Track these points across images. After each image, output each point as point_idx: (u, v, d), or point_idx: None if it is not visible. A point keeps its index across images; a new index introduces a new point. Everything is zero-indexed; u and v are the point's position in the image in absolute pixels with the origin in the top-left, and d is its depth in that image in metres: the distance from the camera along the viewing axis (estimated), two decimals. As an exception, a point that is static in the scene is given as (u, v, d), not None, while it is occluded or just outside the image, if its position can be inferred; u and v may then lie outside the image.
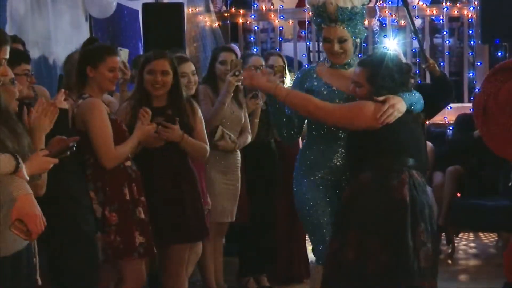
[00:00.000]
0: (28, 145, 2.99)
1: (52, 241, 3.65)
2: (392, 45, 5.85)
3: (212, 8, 8.59)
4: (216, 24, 8.48)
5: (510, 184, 6.28)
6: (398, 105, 3.63)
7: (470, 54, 8.46)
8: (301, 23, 9.05)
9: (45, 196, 3.20)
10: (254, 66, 5.50)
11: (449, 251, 6.76)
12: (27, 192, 2.79)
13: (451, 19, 8.73)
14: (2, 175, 2.77)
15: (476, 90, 7.32)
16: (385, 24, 8.49)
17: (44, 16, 5.73)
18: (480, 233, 7.49)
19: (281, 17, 8.68)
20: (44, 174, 3.12)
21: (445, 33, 8.47)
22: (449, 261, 6.58)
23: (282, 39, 9.31)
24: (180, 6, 7.09)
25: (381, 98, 3.61)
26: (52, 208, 3.51)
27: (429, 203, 3.65)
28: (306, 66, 4.48)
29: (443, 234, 6.85)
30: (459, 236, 7.29)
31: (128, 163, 4.07)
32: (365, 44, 8.44)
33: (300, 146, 5.05)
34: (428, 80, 8.00)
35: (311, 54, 8.82)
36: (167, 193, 4.30)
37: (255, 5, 8.74)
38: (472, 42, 8.33)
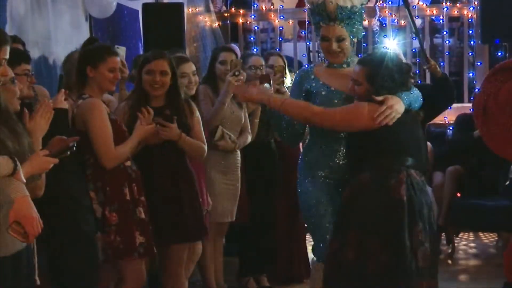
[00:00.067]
0: (28, 145, 2.99)
1: (52, 241, 3.65)
2: (392, 45, 5.85)
3: (212, 8, 8.59)
4: (216, 24, 8.48)
5: (507, 183, 6.29)
6: (396, 106, 3.62)
7: (470, 54, 8.46)
8: (301, 23, 9.04)
9: (45, 196, 3.20)
10: (254, 66, 5.51)
11: (449, 251, 6.76)
12: (25, 194, 2.80)
13: (451, 19, 8.73)
14: (0, 177, 2.77)
15: (476, 90, 7.32)
16: (385, 24, 8.49)
17: (44, 16, 5.73)
18: (480, 233, 7.49)
19: (281, 17, 8.68)
20: (43, 174, 3.12)
21: (445, 33, 8.47)
22: (449, 261, 6.58)
23: (282, 39, 9.31)
24: (180, 6, 7.09)
25: (379, 98, 3.61)
26: (52, 208, 3.53)
27: (428, 203, 3.64)
28: (306, 66, 4.47)
29: (443, 234, 6.85)
30: (459, 236, 7.29)
31: (128, 163, 4.07)
32: (365, 44, 8.46)
33: (301, 146, 5.05)
34: (428, 80, 8.01)
35: (311, 54, 8.82)
36: (166, 192, 4.30)
37: (255, 5, 8.74)
38: (472, 42, 8.33)
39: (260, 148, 5.49)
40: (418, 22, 8.44)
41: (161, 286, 4.50)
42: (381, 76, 3.62)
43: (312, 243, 4.04)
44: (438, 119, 7.31)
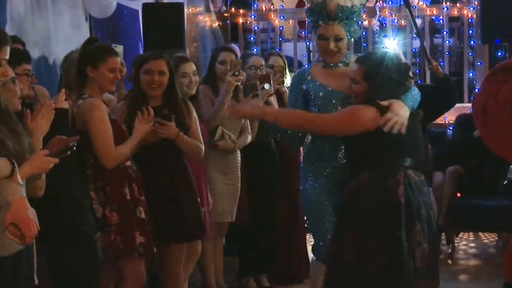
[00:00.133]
0: (28, 144, 3.00)
1: (52, 241, 3.65)
2: (392, 45, 5.85)
3: (212, 8, 8.58)
4: (216, 24, 8.48)
5: (505, 183, 6.29)
6: (401, 111, 3.59)
7: (470, 54, 8.46)
8: (301, 23, 9.04)
9: (45, 196, 3.21)
10: (254, 66, 5.52)
11: (449, 251, 6.76)
12: (22, 196, 2.80)
13: (451, 19, 8.73)
14: None
15: (476, 90, 7.32)
16: (385, 24, 8.49)
17: (44, 16, 5.73)
18: (480, 233, 7.49)
19: (281, 17, 8.68)
20: (43, 174, 3.12)
21: (445, 33, 8.47)
22: (449, 261, 6.58)
23: (282, 39, 9.31)
24: (180, 6, 7.09)
25: (384, 103, 3.59)
26: (52, 208, 3.54)
27: (426, 202, 3.63)
28: (306, 66, 4.47)
29: (443, 234, 6.85)
30: (459, 236, 7.29)
31: (128, 163, 4.08)
32: (365, 44, 8.47)
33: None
34: (428, 80, 8.01)
35: (311, 54, 8.81)
36: (165, 192, 4.30)
37: (255, 5, 8.74)
38: (472, 42, 8.33)
39: (260, 148, 5.49)
40: (418, 22, 8.43)
41: (161, 286, 4.50)
42: (381, 76, 3.62)
43: (312, 243, 4.05)
44: (438, 119, 7.29)
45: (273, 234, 5.61)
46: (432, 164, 6.71)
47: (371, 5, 8.65)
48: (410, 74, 4.05)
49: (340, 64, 3.97)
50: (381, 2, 8.62)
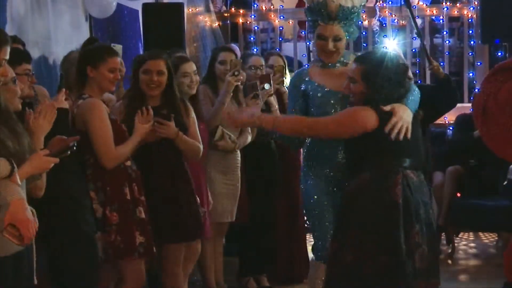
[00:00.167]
0: (28, 144, 3.00)
1: (52, 241, 3.66)
2: (392, 45, 5.85)
3: (212, 8, 8.59)
4: (216, 24, 8.48)
5: (505, 183, 6.29)
6: (405, 116, 3.57)
7: (470, 54, 8.46)
8: (301, 23, 9.05)
9: (45, 196, 3.21)
10: (254, 66, 5.52)
11: (449, 251, 6.76)
12: (20, 197, 2.80)
13: (451, 19, 8.73)
14: None
15: (476, 90, 7.32)
16: (385, 24, 8.49)
17: (44, 16, 5.72)
18: (480, 233, 7.49)
19: (281, 17, 8.68)
20: (43, 174, 3.13)
21: (445, 33, 8.48)
22: (449, 261, 6.58)
23: (282, 39, 9.31)
24: (180, 6, 7.09)
25: (387, 108, 3.57)
26: (52, 208, 3.54)
27: (424, 202, 3.61)
28: (306, 66, 4.47)
29: (443, 234, 6.85)
30: (459, 236, 7.29)
31: (128, 163, 4.08)
32: (365, 44, 8.47)
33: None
34: (428, 80, 8.01)
35: (311, 54, 8.80)
36: (165, 192, 4.30)
37: (255, 5, 8.74)
38: (472, 42, 8.33)
39: (260, 148, 5.49)
40: (418, 22, 8.41)
41: (161, 286, 4.50)
42: (380, 76, 3.60)
43: (312, 243, 4.05)
44: (438, 119, 7.32)
45: (273, 234, 5.61)
46: (432, 164, 6.71)
47: (371, 5, 8.66)
48: (410, 75, 4.04)
49: (338, 64, 3.97)
50: (381, 2, 8.62)
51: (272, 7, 9.09)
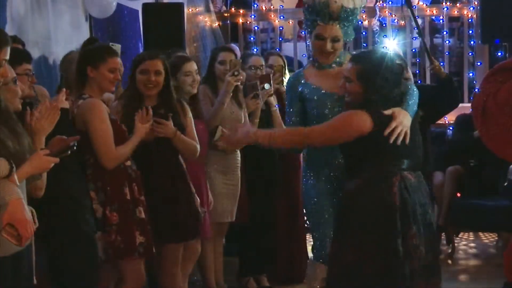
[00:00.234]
0: (29, 144, 3.00)
1: (52, 241, 3.65)
2: (392, 45, 5.85)
3: (212, 8, 8.59)
4: (216, 24, 8.48)
5: (505, 184, 6.29)
6: (404, 120, 3.54)
7: (470, 54, 8.46)
8: (301, 23, 9.00)
9: (45, 196, 3.21)
10: (254, 66, 5.52)
11: (449, 251, 6.76)
12: (18, 197, 2.80)
13: (451, 19, 8.73)
14: None
15: (476, 90, 7.32)
16: (385, 24, 8.49)
17: (44, 16, 5.72)
18: (480, 233, 7.49)
19: (281, 17, 8.68)
20: (44, 174, 3.13)
21: (445, 33, 8.48)
22: (449, 261, 6.58)
23: (282, 39, 9.31)
24: (180, 6, 7.09)
25: (388, 112, 3.55)
26: (52, 208, 3.54)
27: (423, 203, 3.59)
28: (305, 66, 4.46)
29: (443, 234, 6.85)
30: (459, 236, 7.29)
31: (128, 163, 4.08)
32: (365, 44, 8.47)
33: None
34: (428, 80, 8.01)
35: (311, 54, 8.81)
36: (162, 192, 4.31)
37: (255, 5, 8.74)
38: (472, 42, 8.33)
39: (260, 148, 5.48)
40: (418, 22, 8.44)
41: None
42: (376, 76, 3.57)
43: (312, 243, 4.05)
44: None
45: (273, 234, 5.61)
46: (432, 164, 6.71)
47: (371, 5, 8.66)
48: (410, 75, 4.04)
49: (334, 65, 3.95)
50: (381, 2, 8.62)
51: (272, 7, 9.09)
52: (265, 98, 5.31)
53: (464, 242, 7.28)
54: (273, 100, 5.43)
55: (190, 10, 8.25)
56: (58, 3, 5.97)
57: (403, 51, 5.73)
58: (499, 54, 7.88)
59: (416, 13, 7.92)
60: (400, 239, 3.47)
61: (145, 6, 7.05)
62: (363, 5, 3.99)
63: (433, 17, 8.64)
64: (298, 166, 5.37)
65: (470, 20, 8.36)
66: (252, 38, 8.59)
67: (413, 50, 8.52)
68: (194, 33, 8.33)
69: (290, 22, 9.01)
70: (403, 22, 8.39)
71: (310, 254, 4.92)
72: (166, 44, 5.88)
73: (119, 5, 6.66)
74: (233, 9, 8.81)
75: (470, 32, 8.37)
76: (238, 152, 5.26)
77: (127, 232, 3.97)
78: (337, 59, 3.94)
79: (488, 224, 6.59)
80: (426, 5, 8.64)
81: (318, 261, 3.89)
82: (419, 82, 7.78)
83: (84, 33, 6.35)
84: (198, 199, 4.58)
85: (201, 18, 8.40)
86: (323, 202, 3.89)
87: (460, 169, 6.76)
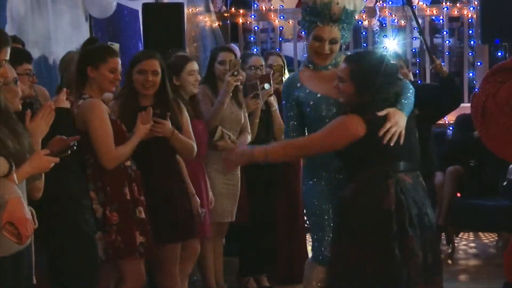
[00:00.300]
0: (29, 144, 3.00)
1: (52, 241, 3.66)
2: (392, 45, 5.86)
3: (212, 8, 8.59)
4: (216, 24, 8.49)
5: (504, 184, 6.29)
6: (400, 121, 3.53)
7: (470, 54, 8.46)
8: (301, 23, 9.04)
9: (45, 196, 3.21)
10: (254, 66, 5.52)
11: (449, 251, 6.76)
12: (18, 196, 2.80)
13: (451, 19, 8.74)
14: None
15: (476, 90, 7.32)
16: (385, 24, 8.49)
17: (44, 16, 5.73)
18: (480, 233, 7.49)
19: (281, 17, 8.69)
20: (43, 175, 3.12)
21: (445, 33, 8.48)
22: (449, 261, 6.58)
23: (282, 39, 9.31)
24: (180, 6, 7.09)
25: (382, 113, 3.55)
26: (52, 208, 3.54)
27: (421, 203, 3.57)
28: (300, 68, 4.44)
29: (443, 234, 6.85)
30: (459, 236, 7.29)
31: (128, 163, 4.08)
32: (365, 44, 8.47)
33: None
34: (428, 81, 8.01)
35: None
36: (164, 192, 4.31)
37: (255, 5, 8.75)
38: (472, 42, 8.34)
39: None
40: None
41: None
42: (369, 75, 3.55)
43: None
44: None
45: (273, 234, 5.61)
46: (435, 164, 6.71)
47: (371, 5, 8.66)
48: (411, 76, 4.03)
49: (329, 67, 3.94)
50: (381, 2, 8.63)
51: (272, 7, 9.09)
52: (265, 98, 5.32)
53: (464, 242, 7.28)
54: (273, 100, 5.43)
55: (190, 10, 8.25)
56: (58, 3, 5.97)
57: (403, 51, 5.73)
58: (499, 54, 7.89)
59: (416, 13, 7.94)
60: (397, 242, 3.47)
61: (145, 6, 7.06)
62: (362, 7, 3.98)
63: (433, 17, 8.64)
64: (298, 166, 5.36)
65: (470, 20, 8.37)
66: (252, 38, 8.60)
67: (413, 50, 8.52)
68: (194, 33, 8.34)
69: (290, 22, 9.01)
70: (403, 22, 8.39)
71: (310, 254, 4.93)
72: (166, 44, 5.88)
73: (119, 5, 6.66)
74: (233, 9, 8.81)
75: (470, 32, 8.37)
76: (238, 152, 5.25)
77: (127, 232, 3.98)
78: (333, 61, 3.92)
79: (488, 224, 6.59)
80: (426, 5, 8.65)
81: (315, 262, 3.89)
82: (419, 82, 7.78)
83: (84, 33, 6.36)
84: (198, 199, 4.59)
85: (201, 18, 8.40)
86: (323, 204, 3.88)
87: (460, 169, 6.76)
